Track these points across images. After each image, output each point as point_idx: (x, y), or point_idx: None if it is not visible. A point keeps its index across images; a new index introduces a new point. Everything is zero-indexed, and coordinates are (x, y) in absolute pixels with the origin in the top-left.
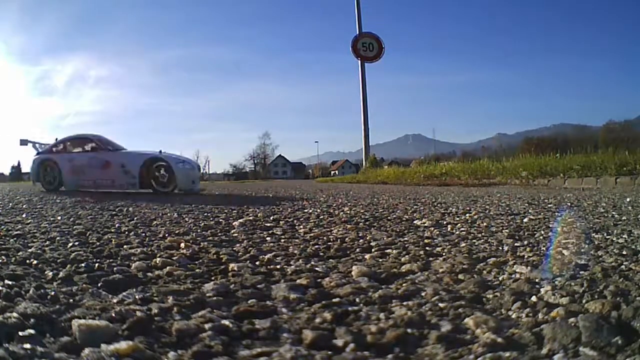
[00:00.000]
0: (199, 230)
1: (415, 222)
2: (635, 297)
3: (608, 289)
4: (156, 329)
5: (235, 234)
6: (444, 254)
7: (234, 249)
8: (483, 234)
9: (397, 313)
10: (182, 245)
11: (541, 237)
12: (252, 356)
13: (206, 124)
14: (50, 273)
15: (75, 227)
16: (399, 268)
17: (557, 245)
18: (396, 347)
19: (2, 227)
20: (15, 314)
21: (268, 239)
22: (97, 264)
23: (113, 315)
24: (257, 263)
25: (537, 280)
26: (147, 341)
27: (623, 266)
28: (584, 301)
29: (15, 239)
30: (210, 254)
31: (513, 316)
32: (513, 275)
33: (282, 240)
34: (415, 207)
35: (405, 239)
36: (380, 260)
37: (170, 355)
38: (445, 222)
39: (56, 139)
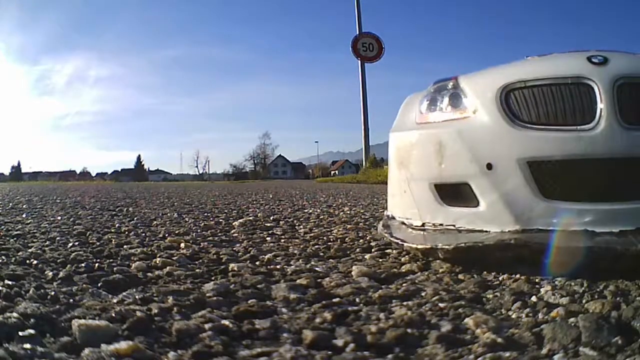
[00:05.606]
0: (199, 230)
1: None
2: (635, 297)
3: (608, 289)
4: (156, 329)
5: (235, 234)
6: None
7: (234, 249)
8: None
9: (397, 313)
10: (182, 245)
11: None
12: (252, 356)
13: (206, 124)
14: (50, 273)
15: (75, 227)
16: (399, 268)
17: None
18: (396, 347)
19: (2, 227)
20: (15, 314)
21: (268, 239)
22: (97, 264)
23: (113, 315)
24: (257, 263)
25: (537, 280)
26: (147, 341)
27: None
28: (584, 301)
29: (15, 239)
30: (210, 254)
31: (513, 316)
32: (513, 275)
33: (282, 240)
34: None
35: None
36: (380, 260)
37: (170, 355)
38: None
39: None
